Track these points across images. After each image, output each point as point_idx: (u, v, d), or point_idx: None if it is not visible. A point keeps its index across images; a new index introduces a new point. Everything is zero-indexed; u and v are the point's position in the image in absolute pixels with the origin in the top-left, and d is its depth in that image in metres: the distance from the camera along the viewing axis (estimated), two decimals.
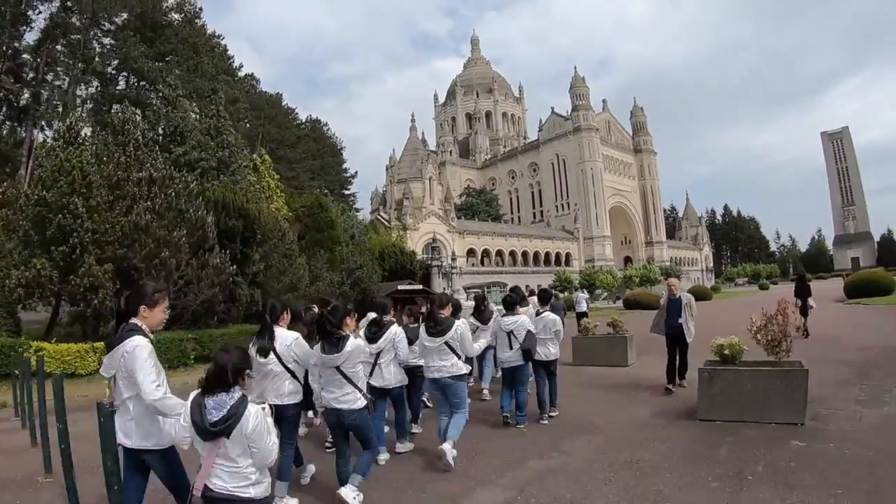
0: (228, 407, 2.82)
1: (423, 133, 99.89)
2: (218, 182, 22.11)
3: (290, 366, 4.65)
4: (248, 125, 65.40)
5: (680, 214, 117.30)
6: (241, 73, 70.34)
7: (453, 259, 46.64)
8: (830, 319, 18.31)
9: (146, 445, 3.35)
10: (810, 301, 14.68)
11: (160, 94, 26.79)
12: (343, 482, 4.47)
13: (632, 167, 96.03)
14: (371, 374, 5.60)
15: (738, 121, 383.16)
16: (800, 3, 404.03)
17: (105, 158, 16.18)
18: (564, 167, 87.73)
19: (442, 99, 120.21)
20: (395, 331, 5.80)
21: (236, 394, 2.89)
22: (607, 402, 7.98)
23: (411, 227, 60.59)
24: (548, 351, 7.22)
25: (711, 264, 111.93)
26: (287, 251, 21.90)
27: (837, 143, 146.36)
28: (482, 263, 70.11)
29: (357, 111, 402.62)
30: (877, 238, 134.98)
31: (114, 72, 51.39)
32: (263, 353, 4.54)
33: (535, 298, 9.27)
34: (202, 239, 16.19)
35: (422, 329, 5.93)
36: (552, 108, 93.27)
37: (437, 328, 5.72)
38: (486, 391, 8.86)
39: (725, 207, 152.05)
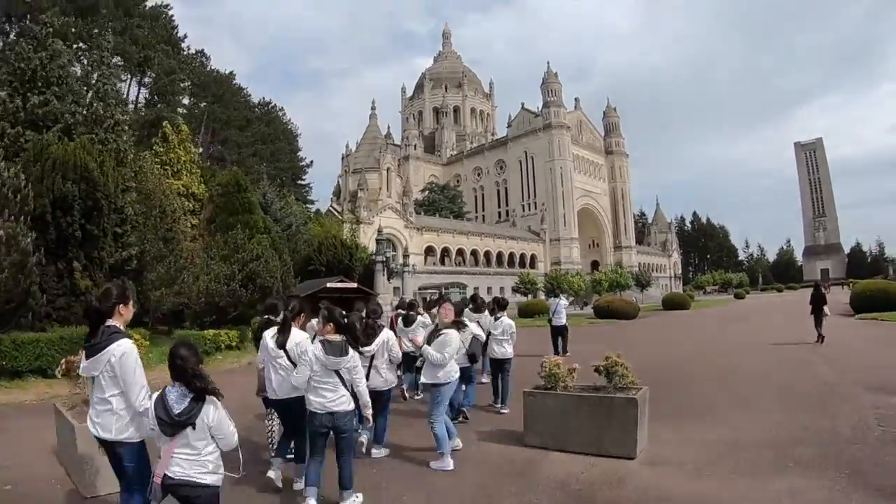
0: (189, 398, 2.97)
1: (388, 127, 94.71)
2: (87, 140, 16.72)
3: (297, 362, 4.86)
4: (188, 101, 59.18)
5: (649, 220, 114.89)
6: (188, 47, 63.90)
7: (406, 255, 41.52)
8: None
9: (127, 438, 3.34)
10: (825, 309, 15.34)
11: (29, 35, 21.28)
12: (310, 483, 4.45)
13: (602, 169, 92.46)
14: (367, 376, 5.47)
15: (713, 132, 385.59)
16: (780, 22, 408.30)
17: None
18: (533, 165, 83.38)
19: (410, 92, 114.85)
20: (389, 334, 6.22)
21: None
22: None
23: (365, 221, 55.05)
24: (504, 350, 8.29)
25: (680, 271, 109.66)
26: (167, 234, 16.67)
27: (811, 154, 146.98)
28: (442, 263, 65.07)
29: (334, 107, 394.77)
30: (846, 251, 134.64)
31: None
32: (281, 346, 5.03)
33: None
34: None
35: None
36: (522, 104, 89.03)
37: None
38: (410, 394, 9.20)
39: (695, 214, 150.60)
